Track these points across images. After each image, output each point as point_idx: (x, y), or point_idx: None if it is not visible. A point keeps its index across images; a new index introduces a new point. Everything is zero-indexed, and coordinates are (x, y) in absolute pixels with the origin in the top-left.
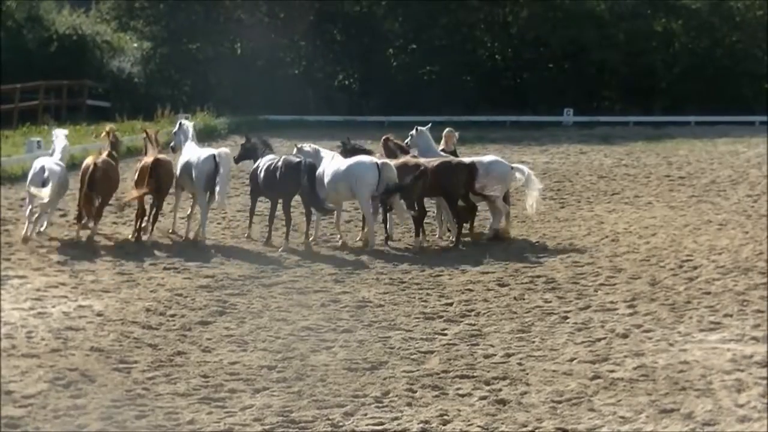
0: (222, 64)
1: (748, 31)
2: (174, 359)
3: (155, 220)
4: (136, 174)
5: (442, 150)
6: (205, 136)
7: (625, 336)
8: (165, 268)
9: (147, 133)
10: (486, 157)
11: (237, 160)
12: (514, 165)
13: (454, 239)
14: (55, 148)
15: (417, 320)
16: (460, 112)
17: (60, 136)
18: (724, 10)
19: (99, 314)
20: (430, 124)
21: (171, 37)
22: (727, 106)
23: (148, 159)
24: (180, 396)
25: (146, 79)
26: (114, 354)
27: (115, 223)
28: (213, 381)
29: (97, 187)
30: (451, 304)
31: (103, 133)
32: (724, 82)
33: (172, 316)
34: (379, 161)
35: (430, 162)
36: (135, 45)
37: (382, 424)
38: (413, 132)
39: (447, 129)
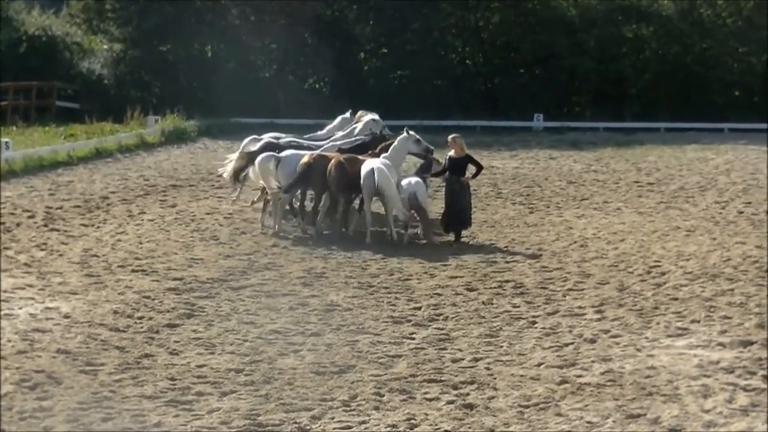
0: (193, 66)
1: (719, 39)
2: (141, 362)
3: None
4: None
5: (451, 156)
6: (174, 139)
7: (592, 341)
8: (133, 270)
9: None
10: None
11: None
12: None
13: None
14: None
15: (385, 324)
16: (432, 116)
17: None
18: (695, 17)
19: (66, 316)
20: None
21: (141, 39)
22: (697, 113)
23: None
24: (147, 399)
25: (116, 81)
26: (81, 356)
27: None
28: (180, 384)
29: None
30: (419, 309)
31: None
32: (695, 89)
33: (140, 318)
34: (281, 157)
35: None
36: (105, 47)
37: (349, 427)
38: None
39: (450, 136)
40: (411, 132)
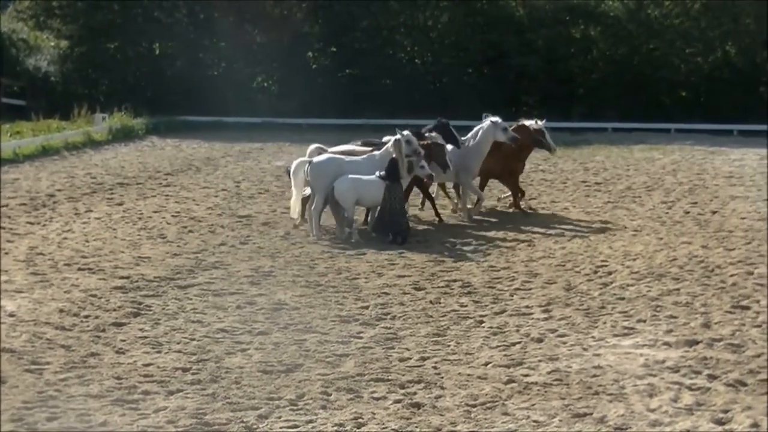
0: (140, 64)
1: (666, 39)
2: (87, 361)
3: None
4: None
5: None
6: (122, 136)
7: (539, 340)
8: (79, 269)
9: None
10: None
11: None
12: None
13: None
14: None
15: (333, 323)
16: (380, 115)
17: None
18: (642, 18)
19: (11, 315)
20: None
21: (89, 36)
22: (644, 114)
23: None
24: (93, 398)
25: (63, 78)
26: (26, 355)
27: None
28: (126, 383)
29: None
30: (367, 308)
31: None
32: (642, 90)
33: (86, 317)
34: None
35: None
36: (52, 43)
37: (296, 426)
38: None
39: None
40: (405, 132)
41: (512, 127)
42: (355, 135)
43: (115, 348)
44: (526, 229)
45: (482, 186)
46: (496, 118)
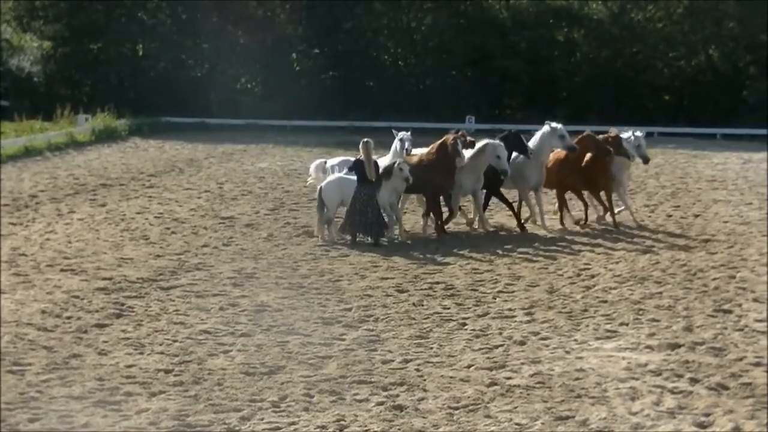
0: (123, 64)
1: (649, 43)
2: (69, 362)
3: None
4: None
5: (362, 161)
6: (105, 137)
7: (522, 343)
8: (62, 270)
9: None
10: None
11: None
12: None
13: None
14: None
15: (315, 325)
16: (364, 117)
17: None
18: (625, 22)
19: None
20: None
21: (72, 37)
22: (627, 117)
23: None
24: (75, 399)
25: (46, 79)
26: (8, 356)
27: None
28: (109, 384)
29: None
30: (349, 310)
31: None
32: (625, 93)
33: (68, 318)
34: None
35: None
36: (35, 44)
37: (278, 428)
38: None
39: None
40: (403, 133)
41: (575, 139)
42: (340, 137)
43: (97, 349)
44: (509, 232)
45: (561, 199)
46: (556, 124)
